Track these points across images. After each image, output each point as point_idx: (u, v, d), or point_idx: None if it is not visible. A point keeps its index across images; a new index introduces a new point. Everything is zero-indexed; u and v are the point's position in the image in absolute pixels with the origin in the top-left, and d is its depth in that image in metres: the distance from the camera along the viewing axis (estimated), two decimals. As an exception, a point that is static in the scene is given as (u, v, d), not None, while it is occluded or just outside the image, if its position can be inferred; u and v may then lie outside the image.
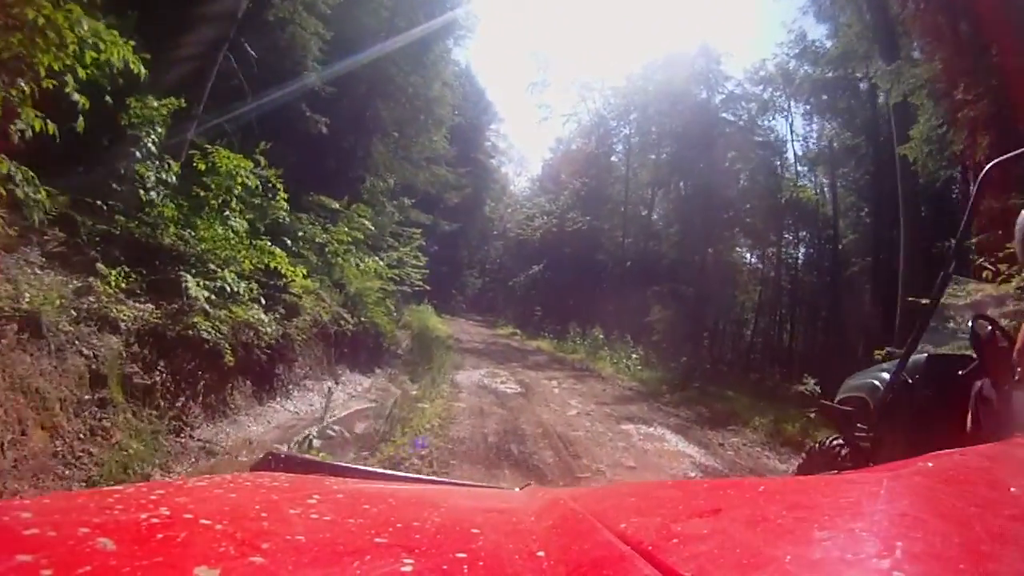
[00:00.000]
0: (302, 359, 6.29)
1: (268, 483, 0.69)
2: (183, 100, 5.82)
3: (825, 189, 21.45)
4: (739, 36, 46.93)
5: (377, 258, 12.02)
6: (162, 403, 4.04)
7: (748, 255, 24.08)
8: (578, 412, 7.31)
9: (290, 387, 5.90)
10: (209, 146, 6.60)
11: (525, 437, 5.89)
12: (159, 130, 5.76)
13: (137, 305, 4.41)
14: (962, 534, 0.46)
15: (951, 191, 12.45)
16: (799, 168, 21.93)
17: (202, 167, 6.40)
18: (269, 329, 5.17)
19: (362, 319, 8.60)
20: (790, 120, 21.89)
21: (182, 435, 4.14)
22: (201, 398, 4.64)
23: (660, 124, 23.27)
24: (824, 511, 0.56)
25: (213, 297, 5.11)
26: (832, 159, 19.16)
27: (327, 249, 10.24)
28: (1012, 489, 0.61)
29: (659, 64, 24.75)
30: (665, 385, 11.03)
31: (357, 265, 10.44)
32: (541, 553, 0.47)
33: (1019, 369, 1.69)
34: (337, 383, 7.01)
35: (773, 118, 22.09)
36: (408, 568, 0.41)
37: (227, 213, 6.14)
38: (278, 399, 5.61)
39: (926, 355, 2.64)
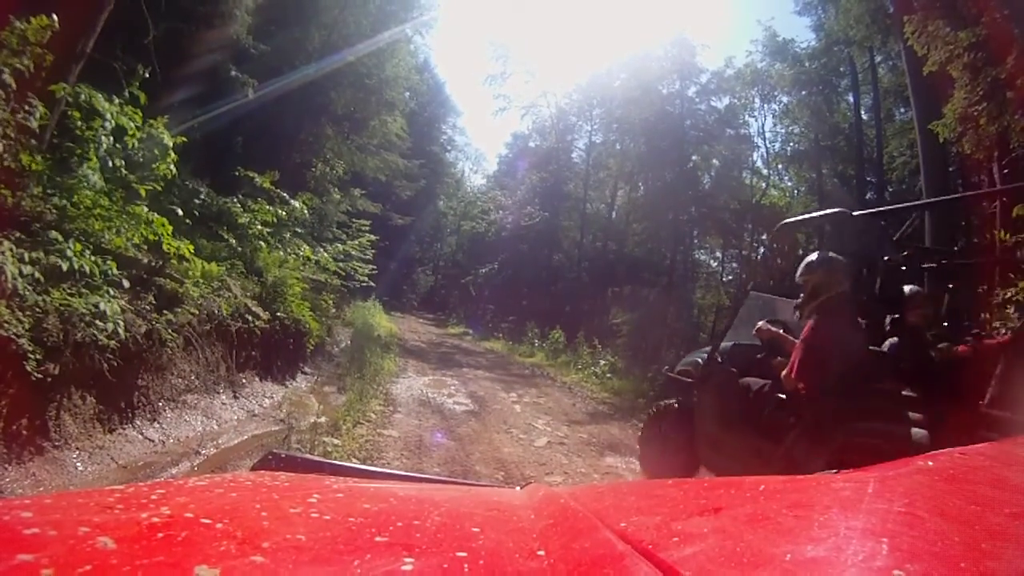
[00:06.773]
0: (182, 365, 4.80)
1: (268, 482, 0.67)
2: (58, 23, 4.43)
3: (799, 191, 21.01)
4: (708, 33, 46.93)
5: (321, 248, 10.96)
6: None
7: (719, 255, 23.03)
8: (548, 441, 5.96)
9: (159, 404, 4.44)
10: (83, 90, 5.23)
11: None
12: (25, 61, 4.41)
13: None
14: (962, 532, 0.46)
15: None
16: (777, 167, 21.34)
17: (76, 115, 5.10)
18: (112, 324, 3.68)
19: (279, 315, 7.07)
20: (762, 119, 21.31)
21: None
22: (1, 424, 3.19)
23: (627, 118, 21.51)
24: (824, 510, 0.55)
25: (41, 277, 3.63)
26: (817, 156, 18.44)
27: (251, 232, 8.74)
28: (1012, 487, 0.62)
29: (628, 56, 23.03)
30: (642, 398, 9.54)
31: (295, 253, 9.37)
32: (541, 552, 0.46)
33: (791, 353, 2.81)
34: (237, 396, 5.52)
35: (744, 117, 21.26)
36: (408, 567, 0.40)
37: (86, 167, 4.61)
38: (137, 422, 4.16)
39: (732, 343, 3.75)
